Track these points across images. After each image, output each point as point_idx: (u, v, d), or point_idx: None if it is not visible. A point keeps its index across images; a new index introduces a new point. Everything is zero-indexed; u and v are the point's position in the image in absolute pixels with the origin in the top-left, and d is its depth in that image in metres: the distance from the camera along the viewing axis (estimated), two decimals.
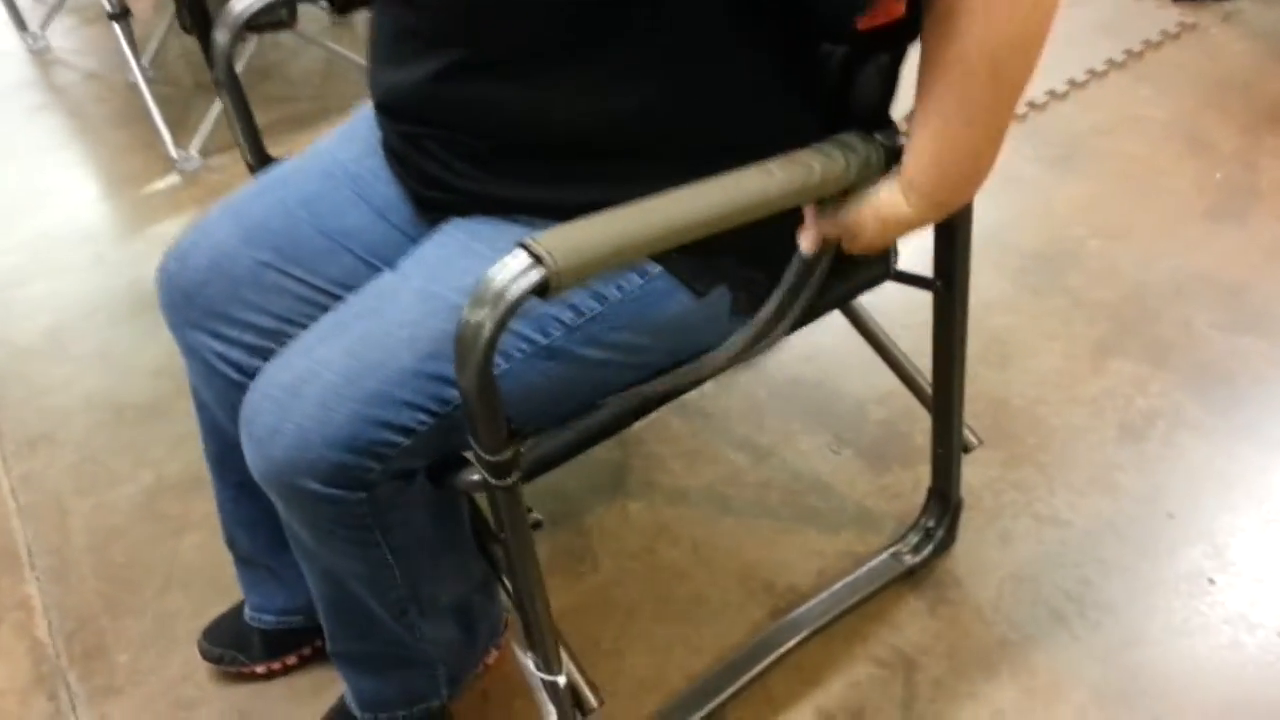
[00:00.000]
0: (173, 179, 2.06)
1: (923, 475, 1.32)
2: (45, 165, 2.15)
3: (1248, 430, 1.35)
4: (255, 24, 1.87)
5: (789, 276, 0.80)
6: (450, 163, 0.81)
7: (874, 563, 1.20)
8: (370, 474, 0.77)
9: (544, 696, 0.89)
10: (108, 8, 2.11)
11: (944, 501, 1.19)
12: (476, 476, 0.80)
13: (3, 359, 1.67)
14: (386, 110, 0.86)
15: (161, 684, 1.19)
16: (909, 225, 0.75)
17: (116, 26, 2.12)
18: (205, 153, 2.10)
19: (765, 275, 0.85)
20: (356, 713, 1.03)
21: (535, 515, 0.85)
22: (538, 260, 0.57)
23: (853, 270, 0.92)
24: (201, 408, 1.02)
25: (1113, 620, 1.15)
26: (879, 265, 0.92)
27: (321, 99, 2.29)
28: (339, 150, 0.96)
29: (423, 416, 0.76)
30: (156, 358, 1.64)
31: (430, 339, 0.76)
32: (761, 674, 1.11)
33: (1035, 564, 1.22)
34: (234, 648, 1.15)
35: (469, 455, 0.72)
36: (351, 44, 2.48)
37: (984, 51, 0.66)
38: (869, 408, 1.43)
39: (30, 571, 1.33)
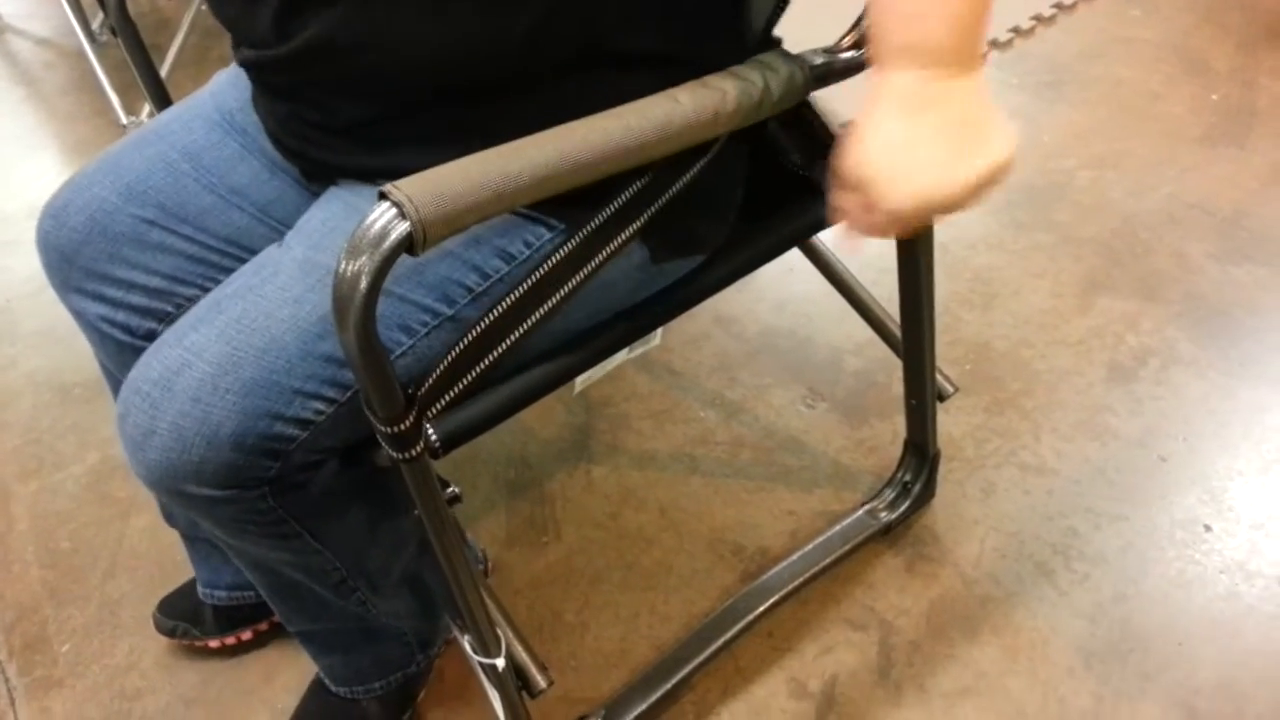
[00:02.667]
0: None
1: (901, 427, 1.26)
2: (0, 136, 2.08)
3: (1245, 366, 1.28)
4: None
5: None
6: (306, 134, 0.74)
7: (848, 521, 1.14)
8: (268, 472, 0.70)
9: (483, 676, 0.84)
10: None
11: (920, 454, 1.12)
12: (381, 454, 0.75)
13: None
14: (247, 70, 0.78)
15: (105, 674, 1.13)
16: (925, 131, 0.59)
17: None
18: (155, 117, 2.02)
19: (696, 221, 0.77)
20: (332, 687, 0.99)
21: (453, 489, 0.78)
22: (400, 211, 0.50)
23: (800, 209, 0.84)
24: (107, 374, 0.96)
25: (1102, 573, 1.09)
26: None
27: None
28: (225, 96, 0.87)
29: (319, 405, 0.69)
30: None
31: (317, 314, 0.68)
32: (730, 642, 1.05)
33: (1019, 516, 1.15)
34: (188, 620, 1.10)
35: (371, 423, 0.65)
36: None
37: None
38: (844, 358, 1.35)
39: None
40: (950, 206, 0.60)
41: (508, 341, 0.67)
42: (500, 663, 0.81)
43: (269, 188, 0.83)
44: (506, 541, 1.19)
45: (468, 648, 0.81)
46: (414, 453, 0.64)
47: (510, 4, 0.62)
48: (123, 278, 0.83)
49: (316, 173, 0.79)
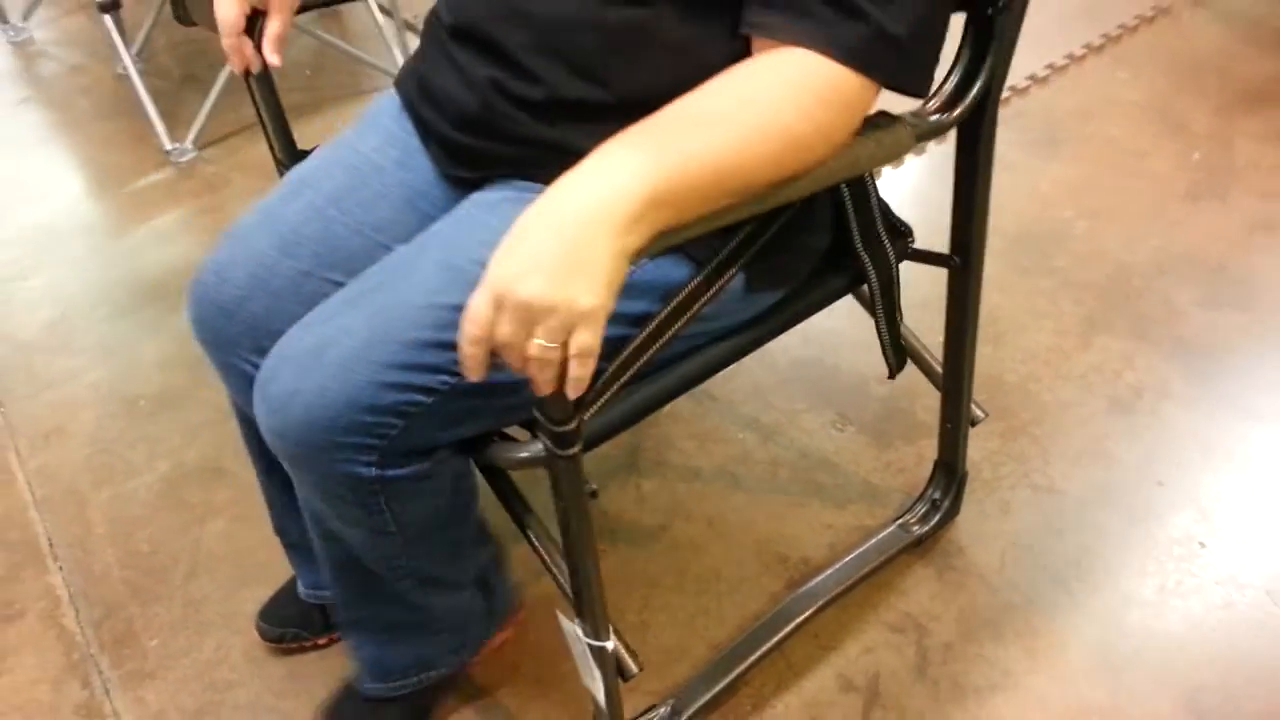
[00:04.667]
0: (167, 171, 2.07)
1: (924, 449, 1.38)
2: (35, 159, 2.15)
3: (1229, 400, 1.42)
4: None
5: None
6: (495, 104, 0.84)
7: (883, 534, 1.25)
8: (391, 431, 0.80)
9: (589, 663, 0.93)
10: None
11: (950, 473, 1.24)
12: (525, 454, 0.85)
13: (6, 353, 1.68)
14: (453, 26, 0.88)
15: (195, 667, 1.21)
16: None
17: (107, 18, 2.11)
18: (199, 144, 2.11)
19: (791, 259, 0.89)
20: (365, 684, 1.07)
21: (591, 485, 0.88)
22: None
23: (854, 262, 0.96)
24: (244, 419, 1.04)
25: (1110, 584, 1.21)
26: (899, 244, 0.96)
27: (313, 90, 2.30)
28: (360, 142, 0.98)
29: (444, 377, 0.79)
30: (162, 349, 1.66)
31: (451, 308, 0.77)
32: (781, 642, 1.16)
33: (1034, 532, 1.27)
34: (295, 625, 1.19)
35: (538, 420, 0.75)
36: (340, 34, 2.49)
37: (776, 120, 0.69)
38: (870, 385, 1.48)
39: (53, 562, 1.35)
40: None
41: (644, 358, 0.78)
42: (610, 644, 0.91)
43: (409, 221, 0.94)
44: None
45: (579, 632, 0.91)
46: (573, 451, 0.74)
47: (731, 53, 0.75)
48: (279, 330, 0.88)
49: (476, 163, 0.89)
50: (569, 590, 0.90)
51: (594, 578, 0.86)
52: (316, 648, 1.21)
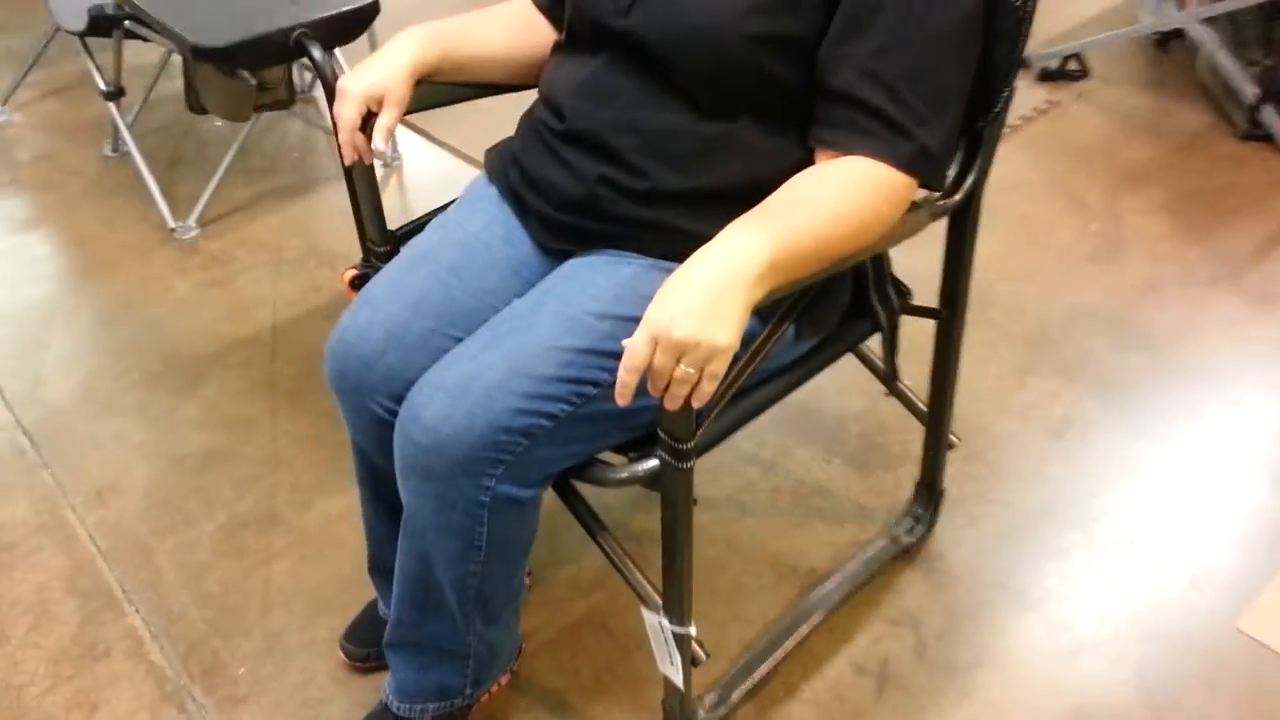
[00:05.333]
0: (171, 249, 2.19)
1: (900, 475, 1.62)
2: (32, 238, 2.24)
3: (1140, 426, 1.71)
4: (260, 105, 2.07)
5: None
6: (601, 193, 1.06)
7: (877, 545, 1.48)
8: (518, 448, 0.98)
9: (670, 650, 1.12)
10: (103, 87, 2.24)
11: (931, 491, 1.48)
12: (627, 473, 1.05)
13: (44, 416, 1.78)
14: (558, 113, 1.10)
15: (285, 690, 1.34)
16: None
17: (112, 106, 2.25)
18: (201, 222, 2.25)
19: (826, 311, 1.13)
20: (394, 703, 1.21)
21: (694, 496, 1.08)
22: None
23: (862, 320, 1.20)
24: (361, 454, 1.20)
25: (1062, 578, 1.46)
26: (901, 300, 1.21)
27: (300, 172, 2.46)
28: (468, 223, 1.18)
29: (564, 406, 0.99)
30: (198, 411, 1.78)
31: (572, 350, 0.99)
32: (803, 638, 1.37)
33: (997, 538, 1.52)
34: (378, 645, 1.32)
35: (661, 440, 0.95)
36: (320, 117, 2.66)
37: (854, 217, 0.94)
38: (848, 424, 1.72)
39: (129, 606, 1.46)
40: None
41: (735, 388, 1.00)
42: (692, 630, 1.10)
43: (513, 287, 1.13)
44: (603, 570, 1.48)
45: (665, 621, 1.10)
46: (689, 464, 0.95)
47: (798, 159, 1.01)
48: (411, 378, 1.06)
49: (575, 235, 1.10)
50: (645, 589, 1.11)
51: (686, 574, 1.06)
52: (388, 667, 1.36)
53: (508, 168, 1.19)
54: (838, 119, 0.98)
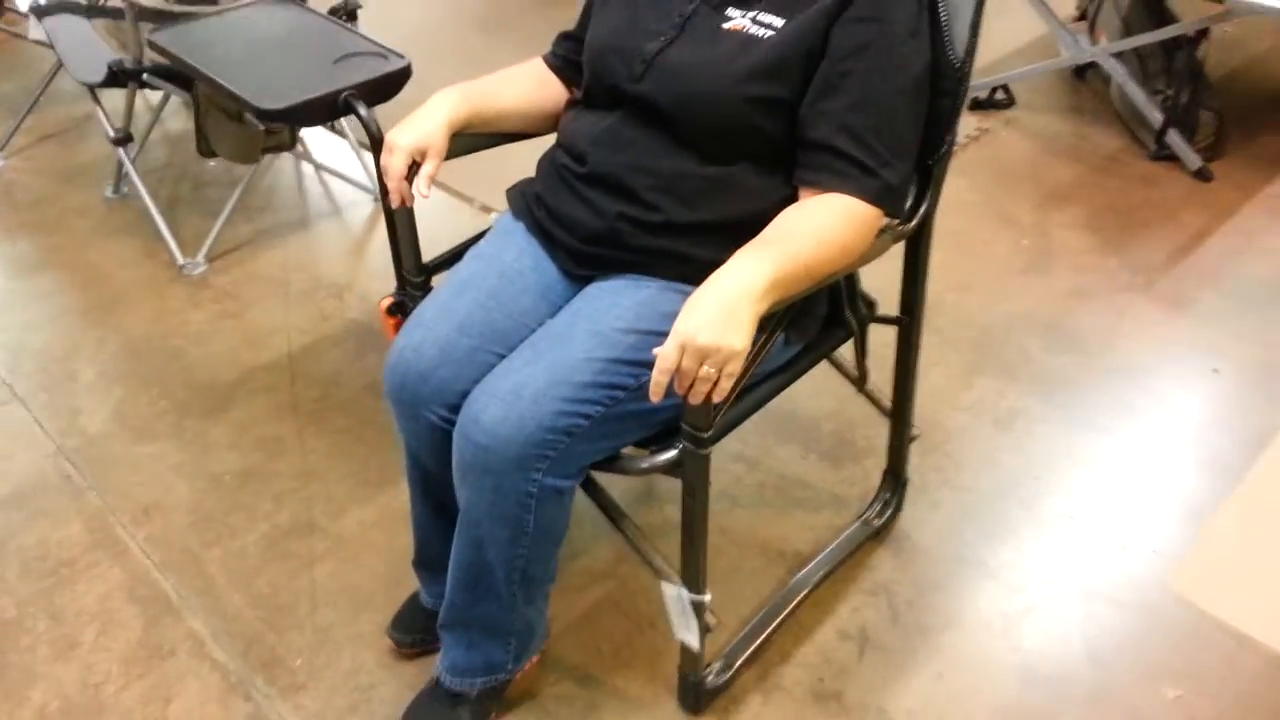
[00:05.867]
0: (182, 284, 2.34)
1: (869, 466, 1.84)
2: (44, 280, 2.37)
3: (1075, 418, 1.95)
4: (267, 147, 2.25)
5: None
6: (621, 227, 1.26)
7: (851, 529, 1.70)
8: (560, 445, 1.17)
9: (687, 617, 1.31)
10: (110, 134, 2.38)
11: (897, 478, 1.70)
12: (652, 462, 1.24)
13: (82, 445, 1.92)
14: (580, 159, 1.30)
15: (338, 676, 1.51)
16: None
17: (121, 151, 2.39)
18: (209, 258, 2.40)
19: (808, 322, 1.34)
20: (446, 680, 1.39)
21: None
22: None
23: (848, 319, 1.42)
24: (414, 458, 1.37)
25: (1013, 550, 1.69)
26: (869, 310, 1.43)
27: (298, 208, 2.62)
28: (501, 255, 1.37)
29: (598, 408, 1.18)
30: (229, 434, 1.94)
31: (603, 360, 1.19)
32: (792, 611, 1.57)
33: (956, 519, 1.74)
34: (421, 631, 1.50)
35: (683, 430, 1.15)
36: (308, 154, 2.82)
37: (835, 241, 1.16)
38: (821, 423, 1.93)
39: (186, 611, 1.61)
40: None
41: (740, 386, 1.20)
42: (708, 597, 1.30)
43: (543, 309, 1.32)
44: (615, 558, 1.67)
45: (684, 591, 1.29)
46: (708, 450, 1.15)
47: (786, 194, 1.21)
48: (450, 385, 1.26)
49: (597, 263, 1.29)
50: (664, 567, 1.30)
51: (703, 548, 1.26)
52: (433, 650, 1.53)
53: (532, 207, 1.39)
54: (818, 163, 1.20)
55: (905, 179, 1.23)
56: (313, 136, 2.83)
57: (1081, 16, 3.28)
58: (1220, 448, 1.87)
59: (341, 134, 2.62)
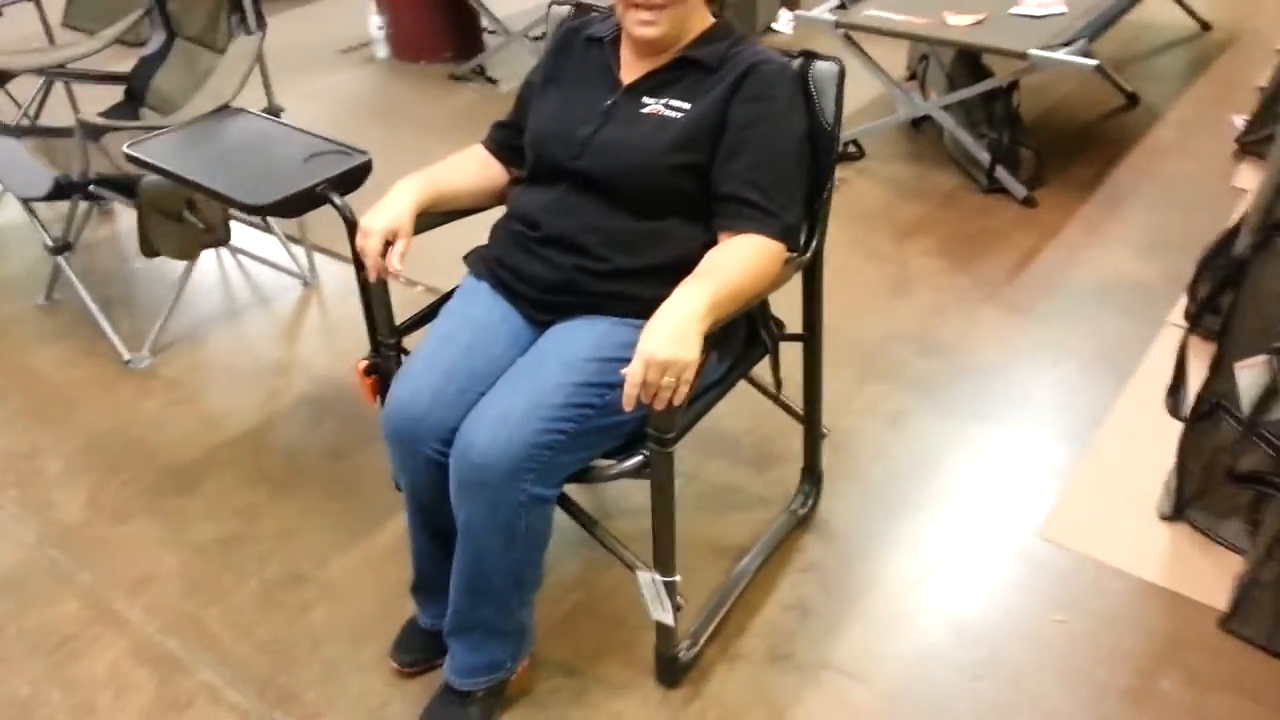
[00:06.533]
0: (131, 378, 2.47)
1: (787, 469, 2.13)
2: None
3: (948, 411, 2.29)
4: (205, 244, 2.44)
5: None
6: (576, 278, 1.52)
7: (780, 520, 1.98)
8: (544, 458, 1.41)
9: (661, 597, 1.56)
10: (49, 243, 2.50)
11: (813, 473, 1.99)
12: (622, 467, 1.49)
13: (63, 533, 2.03)
14: (533, 226, 1.56)
15: (350, 700, 1.68)
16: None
17: (61, 259, 2.51)
18: (153, 351, 2.54)
19: (733, 342, 1.63)
20: (455, 682, 1.60)
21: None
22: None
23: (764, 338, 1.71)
24: (413, 493, 1.57)
25: (915, 525, 2.00)
26: (779, 330, 1.72)
27: (233, 298, 2.78)
28: (471, 311, 1.61)
29: (572, 424, 1.43)
30: (206, 507, 2.08)
31: (573, 384, 1.44)
32: (741, 593, 1.83)
33: (862, 504, 2.04)
34: (421, 651, 1.69)
35: (649, 435, 1.41)
36: (239, 248, 2.98)
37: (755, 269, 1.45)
38: (741, 437, 2.22)
39: (196, 666, 1.75)
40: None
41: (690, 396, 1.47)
42: (678, 578, 1.55)
43: (512, 351, 1.56)
44: (582, 572, 1.90)
45: (656, 574, 1.53)
46: (671, 450, 1.41)
47: (701, 239, 1.49)
48: (454, 426, 1.48)
49: (557, 309, 1.54)
50: (634, 560, 1.53)
51: (670, 536, 1.51)
52: (434, 667, 1.72)
53: (494, 268, 1.64)
54: (731, 211, 1.50)
55: (799, 219, 1.55)
56: (239, 231, 2.99)
57: (912, 76, 3.76)
58: (1067, 424, 2.24)
59: (268, 228, 2.80)
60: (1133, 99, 3.73)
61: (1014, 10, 3.18)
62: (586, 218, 1.54)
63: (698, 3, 1.55)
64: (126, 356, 2.50)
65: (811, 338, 1.81)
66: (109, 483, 2.15)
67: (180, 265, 2.58)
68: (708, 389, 1.60)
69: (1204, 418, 1.82)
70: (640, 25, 1.51)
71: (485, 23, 4.37)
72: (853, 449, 2.18)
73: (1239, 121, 3.39)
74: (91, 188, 2.25)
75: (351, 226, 1.63)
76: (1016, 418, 2.26)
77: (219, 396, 2.41)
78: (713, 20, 1.59)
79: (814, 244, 1.68)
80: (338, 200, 1.64)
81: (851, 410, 2.30)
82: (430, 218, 1.65)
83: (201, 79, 2.63)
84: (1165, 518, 1.96)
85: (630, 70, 1.59)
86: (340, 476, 2.16)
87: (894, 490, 2.08)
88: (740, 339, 1.66)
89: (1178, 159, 3.34)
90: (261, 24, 2.47)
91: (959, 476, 2.11)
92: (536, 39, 4.08)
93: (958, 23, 3.09)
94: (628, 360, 1.41)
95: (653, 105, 1.55)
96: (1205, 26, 4.28)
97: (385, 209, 1.57)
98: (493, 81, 4.15)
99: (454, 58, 4.34)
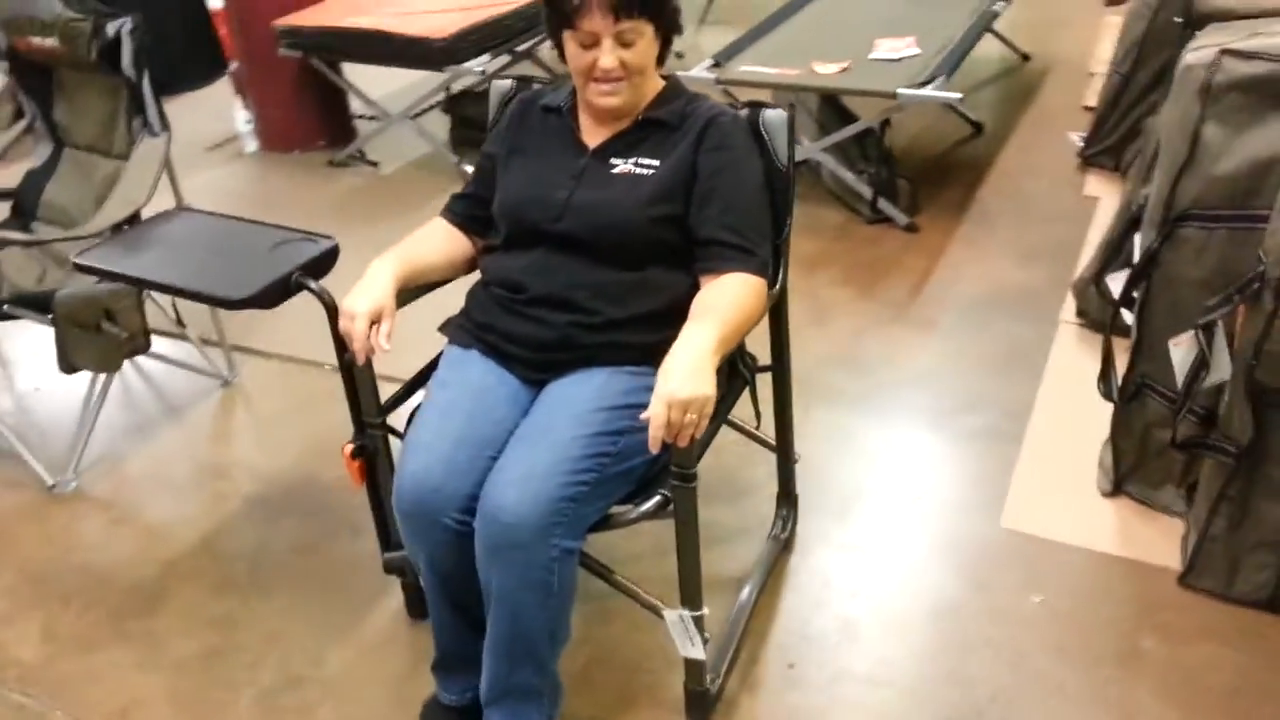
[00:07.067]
0: (60, 503, 2.32)
1: (759, 498, 2.21)
2: None
3: (886, 423, 2.43)
4: (129, 353, 2.36)
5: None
6: (570, 334, 1.57)
7: (766, 548, 2.05)
8: (567, 512, 1.45)
9: (690, 633, 1.59)
10: None
11: (789, 497, 2.08)
12: (639, 511, 1.53)
13: (25, 672, 1.89)
14: (518, 289, 1.60)
15: None
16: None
17: None
18: (78, 473, 2.40)
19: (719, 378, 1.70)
20: None
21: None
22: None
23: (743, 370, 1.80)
24: (431, 566, 1.56)
25: (889, 534, 2.10)
26: (753, 365, 1.81)
27: (151, 407, 2.66)
28: (467, 378, 1.62)
29: (593, 475, 1.47)
30: (175, 622, 1.98)
31: (587, 436, 1.49)
32: (750, 618, 1.89)
33: (834, 523, 2.14)
34: None
35: (673, 473, 1.46)
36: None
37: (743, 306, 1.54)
38: (705, 474, 2.26)
39: None
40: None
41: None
42: (706, 611, 1.59)
43: (514, 415, 1.59)
44: (587, 625, 1.91)
45: (684, 612, 1.57)
46: (693, 484, 1.46)
47: (685, 285, 1.56)
48: (461, 491, 1.50)
49: (553, 366, 1.58)
50: (656, 603, 1.57)
51: (696, 571, 1.56)
52: None
53: (480, 335, 1.66)
54: (712, 254, 1.58)
55: (769, 254, 1.65)
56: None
57: None
58: (999, 421, 2.41)
59: (183, 332, 2.70)
60: (978, 128, 4.07)
61: (873, 55, 3.44)
62: (572, 275, 1.60)
63: (652, 70, 1.65)
64: (50, 481, 2.36)
65: (781, 368, 1.91)
66: (62, 614, 2.02)
67: (84, 382, 2.47)
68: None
69: (1133, 398, 2.01)
70: (602, 96, 1.60)
71: (356, 108, 4.37)
72: (814, 473, 2.28)
73: (1076, 139, 3.75)
74: (5, 307, 2.13)
75: (331, 311, 1.63)
76: (953, 422, 2.42)
77: (161, 509, 2.30)
78: (663, 82, 1.70)
79: (780, 278, 1.78)
80: (314, 285, 1.63)
81: (803, 435, 2.40)
82: (405, 293, 1.67)
83: (101, 187, 2.54)
84: (1106, 494, 2.14)
85: (593, 135, 1.67)
86: (314, 572, 2.10)
87: (861, 505, 2.19)
88: (723, 373, 1.74)
89: (1030, 177, 3.66)
90: (165, 125, 2.42)
91: (917, 483, 2.24)
92: (416, 116, 4.11)
93: (826, 71, 3.32)
94: (633, 405, 1.48)
95: (623, 165, 1.63)
96: (1025, 58, 4.72)
97: (366, 290, 1.58)
98: (373, 164, 4.14)
99: (327, 145, 4.31)
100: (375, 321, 1.56)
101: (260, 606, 2.01)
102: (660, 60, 1.66)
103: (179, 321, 2.61)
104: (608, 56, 1.55)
